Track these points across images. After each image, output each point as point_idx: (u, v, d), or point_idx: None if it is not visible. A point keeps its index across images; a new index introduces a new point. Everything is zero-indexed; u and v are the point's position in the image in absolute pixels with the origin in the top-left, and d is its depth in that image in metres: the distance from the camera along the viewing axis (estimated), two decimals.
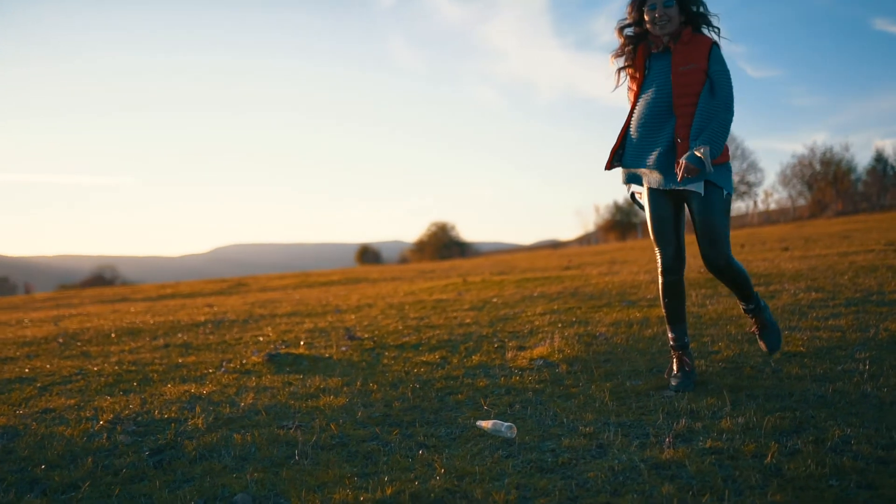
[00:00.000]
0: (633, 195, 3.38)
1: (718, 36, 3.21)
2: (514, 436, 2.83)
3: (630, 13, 3.22)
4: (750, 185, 49.53)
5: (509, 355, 4.29)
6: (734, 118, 3.10)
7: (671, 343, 3.38)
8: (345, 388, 3.69)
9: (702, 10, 3.17)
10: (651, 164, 3.16)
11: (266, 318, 7.28)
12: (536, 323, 5.45)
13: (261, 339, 5.70)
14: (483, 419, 3.01)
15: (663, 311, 3.38)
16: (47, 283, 58.57)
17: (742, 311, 3.72)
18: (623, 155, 3.30)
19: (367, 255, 60.97)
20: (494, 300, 7.29)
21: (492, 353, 4.39)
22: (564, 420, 2.94)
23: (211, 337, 6.05)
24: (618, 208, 52.39)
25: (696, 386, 3.26)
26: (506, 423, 2.88)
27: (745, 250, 13.81)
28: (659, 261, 3.29)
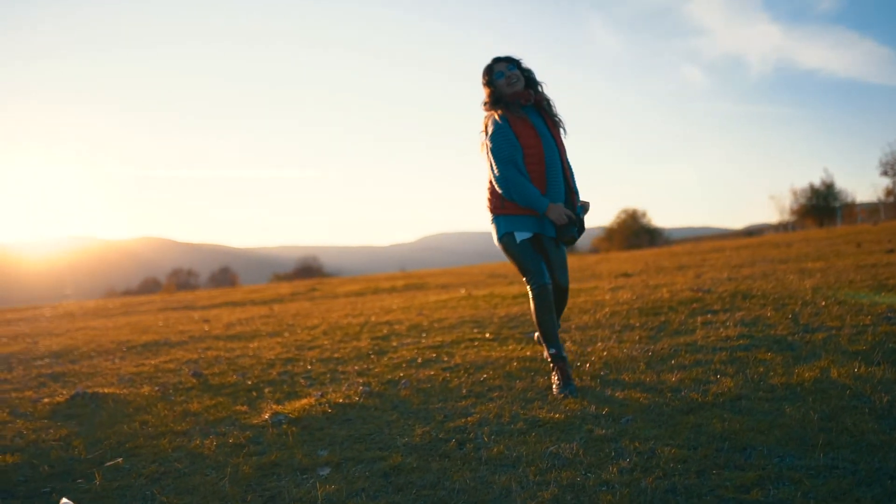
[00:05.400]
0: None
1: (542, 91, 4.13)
2: None
3: (486, 86, 4.07)
4: None
5: (265, 405, 4.20)
6: None
7: (555, 356, 3.97)
8: (52, 441, 3.77)
9: (532, 74, 4.12)
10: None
11: (202, 341, 7.53)
12: (383, 362, 5.26)
13: (138, 368, 5.91)
14: (74, 496, 2.99)
15: (543, 331, 3.98)
16: (263, 274, 64.72)
17: (547, 358, 4.08)
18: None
19: None
20: (435, 325, 7.09)
21: (264, 402, 4.31)
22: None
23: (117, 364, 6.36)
24: (814, 192, 48.45)
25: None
26: None
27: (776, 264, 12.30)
28: (541, 284, 3.90)
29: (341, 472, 3.05)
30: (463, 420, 3.60)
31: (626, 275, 12.44)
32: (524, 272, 4.00)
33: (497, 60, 4.06)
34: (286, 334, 7.44)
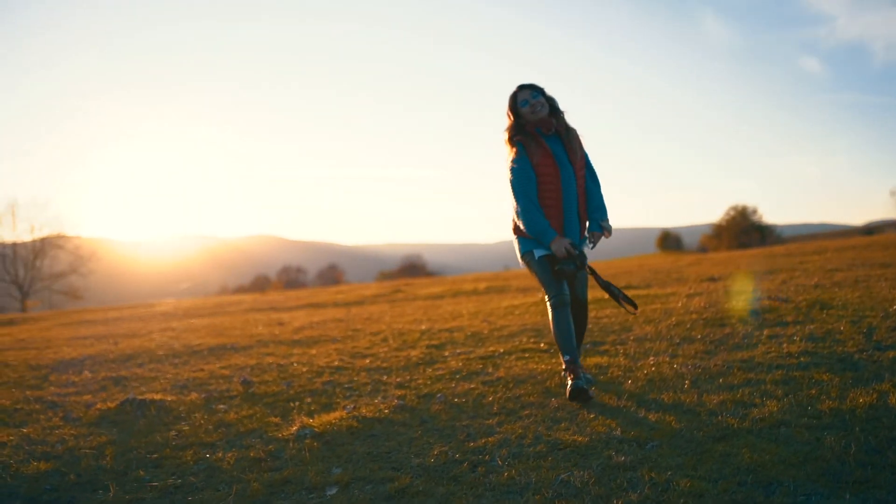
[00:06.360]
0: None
1: (564, 119, 4.22)
2: None
3: (510, 117, 4.20)
4: None
5: (296, 417, 4.22)
6: None
7: (569, 362, 4.05)
8: (86, 449, 3.90)
9: (556, 102, 4.22)
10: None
11: (266, 345, 7.69)
12: (427, 373, 5.21)
13: (194, 374, 6.08)
14: None
15: (560, 341, 4.08)
16: (369, 271, 66.92)
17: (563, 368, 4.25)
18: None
19: (668, 240, 61.34)
20: (495, 333, 7.00)
21: (297, 413, 4.33)
22: None
23: (164, 368, 6.57)
24: None
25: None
26: None
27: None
28: (558, 296, 4.09)
29: (348, 492, 3.04)
30: (484, 440, 3.52)
31: (712, 279, 11.94)
32: (544, 286, 4.23)
33: (521, 88, 4.19)
34: (348, 341, 7.50)
